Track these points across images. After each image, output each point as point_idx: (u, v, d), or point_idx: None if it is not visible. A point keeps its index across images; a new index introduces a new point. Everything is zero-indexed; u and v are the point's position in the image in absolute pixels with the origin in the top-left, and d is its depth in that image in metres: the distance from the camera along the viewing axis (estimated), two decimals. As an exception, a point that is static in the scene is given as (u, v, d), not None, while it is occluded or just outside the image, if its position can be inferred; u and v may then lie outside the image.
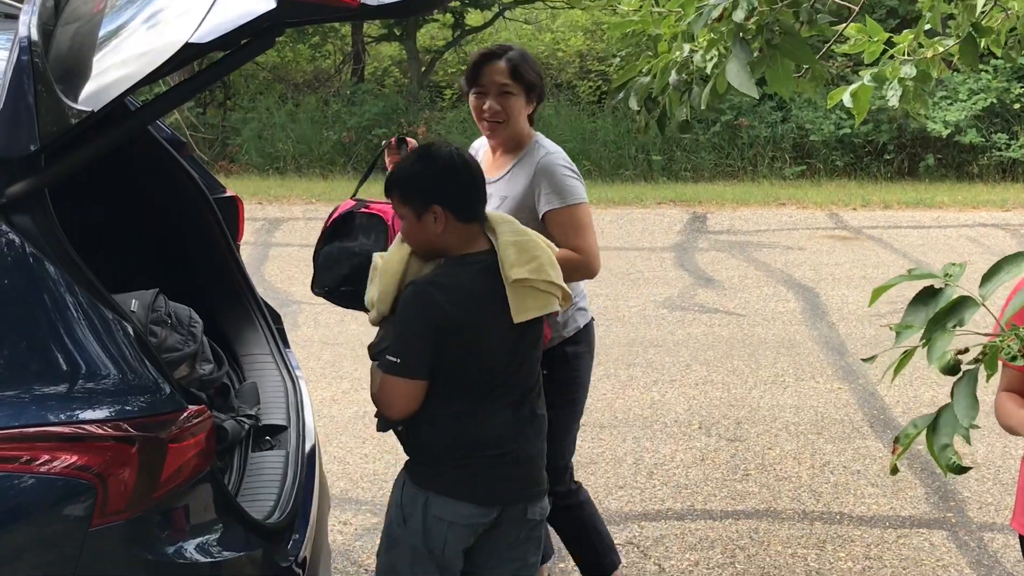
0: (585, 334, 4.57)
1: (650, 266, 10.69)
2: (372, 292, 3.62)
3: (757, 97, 4.20)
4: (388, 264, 3.60)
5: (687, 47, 4.32)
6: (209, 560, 3.08)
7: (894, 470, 2.44)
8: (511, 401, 3.61)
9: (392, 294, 3.57)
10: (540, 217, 4.23)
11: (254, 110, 16.97)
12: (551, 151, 4.33)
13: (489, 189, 4.19)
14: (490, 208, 4.09)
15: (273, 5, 2.77)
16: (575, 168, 4.35)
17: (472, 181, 3.57)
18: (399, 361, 3.43)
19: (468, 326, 3.46)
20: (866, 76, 4.75)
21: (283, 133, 16.43)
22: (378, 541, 3.85)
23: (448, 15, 17.58)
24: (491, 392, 3.57)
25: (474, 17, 18.16)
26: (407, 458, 3.70)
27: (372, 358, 3.57)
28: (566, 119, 16.10)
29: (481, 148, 4.59)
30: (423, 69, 17.60)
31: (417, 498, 3.60)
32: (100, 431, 2.87)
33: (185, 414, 3.00)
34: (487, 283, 3.48)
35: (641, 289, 9.84)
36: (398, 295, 3.54)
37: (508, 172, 4.34)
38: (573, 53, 17.86)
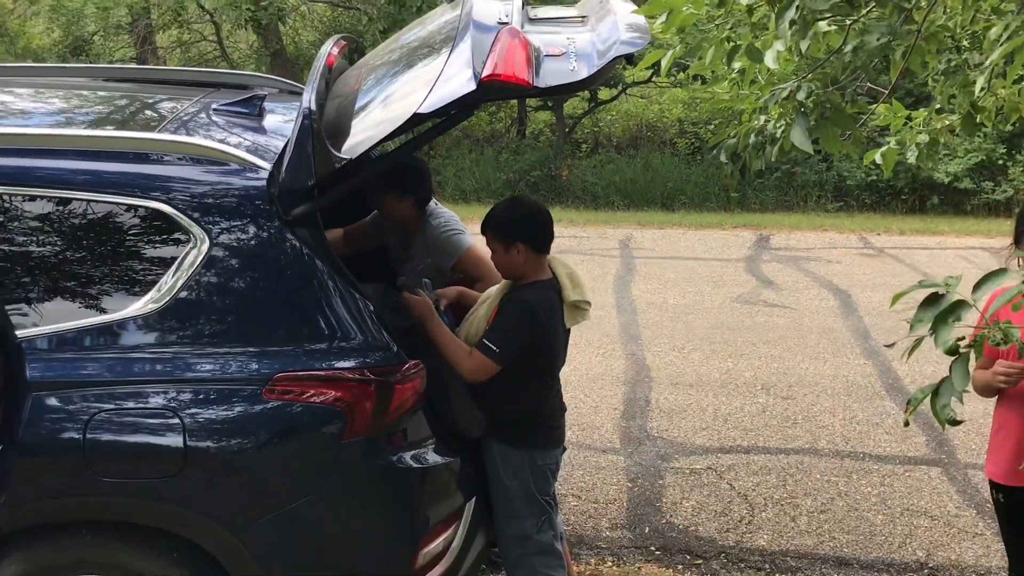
0: None
1: (727, 272, 10.52)
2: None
3: (812, 153, 4.16)
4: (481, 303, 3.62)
5: (763, 118, 4.29)
6: (420, 466, 3.16)
7: (907, 423, 2.42)
8: (556, 379, 3.64)
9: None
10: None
11: (449, 157, 17.17)
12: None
13: None
14: None
15: (474, 87, 2.84)
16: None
17: (546, 224, 3.53)
18: (498, 351, 3.39)
19: (550, 331, 3.48)
20: (892, 141, 4.69)
21: (470, 174, 16.62)
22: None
23: (586, 92, 17.48)
24: (551, 375, 3.59)
25: (604, 92, 18.06)
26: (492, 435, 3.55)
27: (473, 345, 3.47)
28: (669, 167, 15.95)
29: None
30: (567, 130, 17.57)
31: (522, 456, 3.52)
32: (350, 375, 2.96)
33: (407, 366, 3.08)
34: (556, 301, 3.50)
35: (720, 289, 9.69)
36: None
37: None
38: (674, 119, 17.63)
